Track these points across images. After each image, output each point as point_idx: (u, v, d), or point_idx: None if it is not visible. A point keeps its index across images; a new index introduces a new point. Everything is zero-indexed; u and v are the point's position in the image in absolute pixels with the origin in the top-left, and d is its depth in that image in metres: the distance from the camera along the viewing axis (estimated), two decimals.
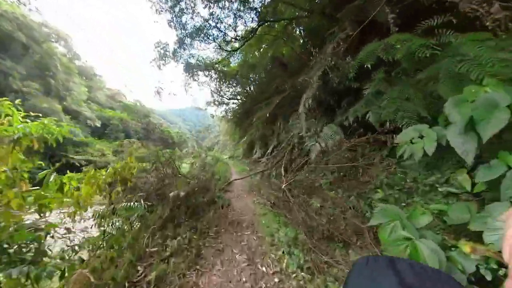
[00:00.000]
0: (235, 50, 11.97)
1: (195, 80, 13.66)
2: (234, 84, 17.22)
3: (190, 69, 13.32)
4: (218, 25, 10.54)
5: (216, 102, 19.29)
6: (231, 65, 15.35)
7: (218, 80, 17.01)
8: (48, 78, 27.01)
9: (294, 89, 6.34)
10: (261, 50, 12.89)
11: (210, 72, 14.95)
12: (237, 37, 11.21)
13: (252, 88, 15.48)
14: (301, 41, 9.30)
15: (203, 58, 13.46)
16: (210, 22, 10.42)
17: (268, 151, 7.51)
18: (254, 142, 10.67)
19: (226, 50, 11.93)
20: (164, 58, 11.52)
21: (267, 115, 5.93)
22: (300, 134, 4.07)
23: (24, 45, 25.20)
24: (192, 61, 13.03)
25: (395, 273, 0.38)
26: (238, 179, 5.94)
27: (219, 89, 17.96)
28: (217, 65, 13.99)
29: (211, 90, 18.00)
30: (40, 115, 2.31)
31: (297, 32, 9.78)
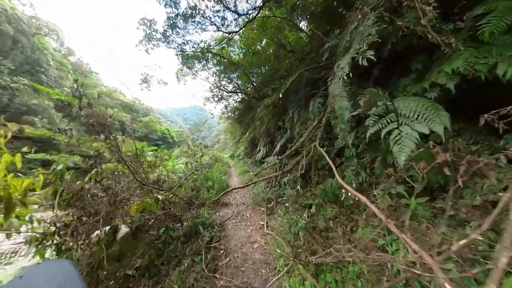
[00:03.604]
0: (236, 32, 10.27)
1: (188, 68, 11.97)
2: (235, 78, 15.57)
3: (186, 59, 11.68)
4: (217, 5, 8.91)
5: (216, 98, 17.65)
6: (231, 56, 13.68)
7: (217, 74, 15.40)
8: (40, 74, 25.62)
9: (313, 66, 4.66)
10: (263, 41, 11.31)
11: (207, 63, 13.28)
12: (239, 17, 9.53)
13: (254, 80, 13.75)
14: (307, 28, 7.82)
15: (199, 45, 11.79)
16: (207, 1, 8.80)
17: (276, 149, 5.83)
18: (257, 138, 9.00)
19: (225, 33, 10.23)
20: (151, 40, 9.85)
21: (278, 98, 4.31)
22: (347, 117, 2.38)
23: (13, 39, 23.83)
24: (187, 48, 11.39)
25: None
26: (238, 187, 4.30)
27: (219, 84, 16.30)
28: (215, 55, 12.29)
29: (210, 84, 16.35)
30: None
31: (302, 22, 8.29)
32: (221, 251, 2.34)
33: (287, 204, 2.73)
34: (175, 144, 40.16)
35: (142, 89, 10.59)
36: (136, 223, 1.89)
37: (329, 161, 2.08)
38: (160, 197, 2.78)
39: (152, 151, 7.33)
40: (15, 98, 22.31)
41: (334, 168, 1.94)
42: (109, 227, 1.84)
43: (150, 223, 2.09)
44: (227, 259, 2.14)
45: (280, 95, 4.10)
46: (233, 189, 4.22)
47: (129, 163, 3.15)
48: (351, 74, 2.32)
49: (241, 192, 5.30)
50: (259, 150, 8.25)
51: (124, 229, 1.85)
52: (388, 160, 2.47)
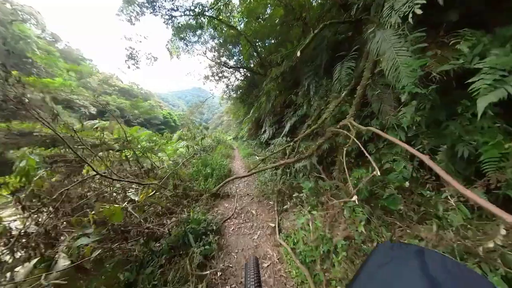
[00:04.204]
0: None
1: (181, 39, 10.49)
2: (236, 52, 13.83)
3: (177, 28, 10.08)
4: None
5: (216, 77, 16.13)
6: (230, 23, 11.77)
7: (216, 48, 13.72)
8: (27, 65, 23.87)
9: (339, 21, 3.49)
10: (268, 8, 9.37)
11: (203, 32, 11.59)
12: None
13: (258, 53, 12.05)
14: None
15: (191, 10, 10.01)
16: None
17: (286, 129, 4.95)
18: (262, 118, 8.06)
19: None
20: (132, 4, 8.33)
21: (290, 67, 3.31)
22: (414, 81, 1.45)
23: None
24: (177, 14, 9.70)
25: (420, 263, 0.34)
26: (241, 176, 3.59)
27: (218, 60, 14.63)
28: (211, 21, 10.50)
29: (208, 60, 14.74)
30: None
31: None
32: (219, 273, 1.70)
33: (314, 212, 1.96)
34: (178, 128, 39.66)
35: (129, 67, 9.39)
36: (75, 254, 1.19)
37: (399, 143, 1.21)
38: (135, 198, 2.08)
39: (145, 135, 6.61)
40: (9, 94, 21.30)
41: (430, 165, 1.07)
42: (35, 260, 1.16)
43: (106, 250, 1.41)
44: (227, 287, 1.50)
45: (298, 54, 3.09)
46: (235, 178, 3.52)
47: (96, 151, 2.42)
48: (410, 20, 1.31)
49: (245, 179, 4.63)
50: (265, 131, 7.40)
51: (62, 263, 1.17)
52: (459, 151, 1.61)
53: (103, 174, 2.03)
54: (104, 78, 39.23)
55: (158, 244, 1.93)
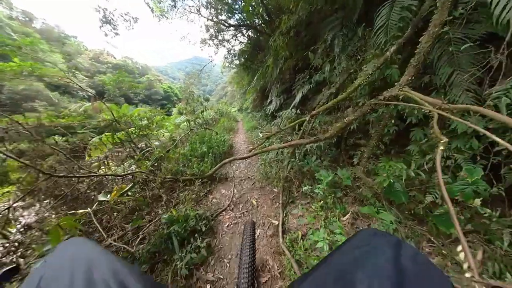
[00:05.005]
0: None
1: None
2: (238, 10, 11.47)
3: None
4: None
5: (215, 40, 14.01)
6: None
7: (213, 4, 11.43)
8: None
9: None
10: None
11: None
12: None
13: (264, 3, 9.81)
14: None
15: None
16: None
17: (296, 100, 4.13)
18: (268, 87, 7.09)
19: None
20: None
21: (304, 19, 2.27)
22: None
23: None
24: None
25: (395, 252, 0.36)
26: (241, 158, 3.07)
27: (216, 19, 12.35)
28: None
29: (204, 18, 12.54)
30: None
31: None
32: (208, 286, 1.36)
33: (337, 232, 1.42)
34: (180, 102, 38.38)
35: (106, 34, 7.95)
36: None
37: None
38: (104, 198, 1.65)
39: (137, 112, 6.02)
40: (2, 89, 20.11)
41: None
42: None
43: None
44: None
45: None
46: (233, 159, 3.02)
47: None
48: None
49: (243, 165, 4.12)
50: (271, 102, 6.55)
51: None
52: None
53: (59, 175, 1.56)
54: (94, 56, 36.51)
55: (141, 246, 1.59)
